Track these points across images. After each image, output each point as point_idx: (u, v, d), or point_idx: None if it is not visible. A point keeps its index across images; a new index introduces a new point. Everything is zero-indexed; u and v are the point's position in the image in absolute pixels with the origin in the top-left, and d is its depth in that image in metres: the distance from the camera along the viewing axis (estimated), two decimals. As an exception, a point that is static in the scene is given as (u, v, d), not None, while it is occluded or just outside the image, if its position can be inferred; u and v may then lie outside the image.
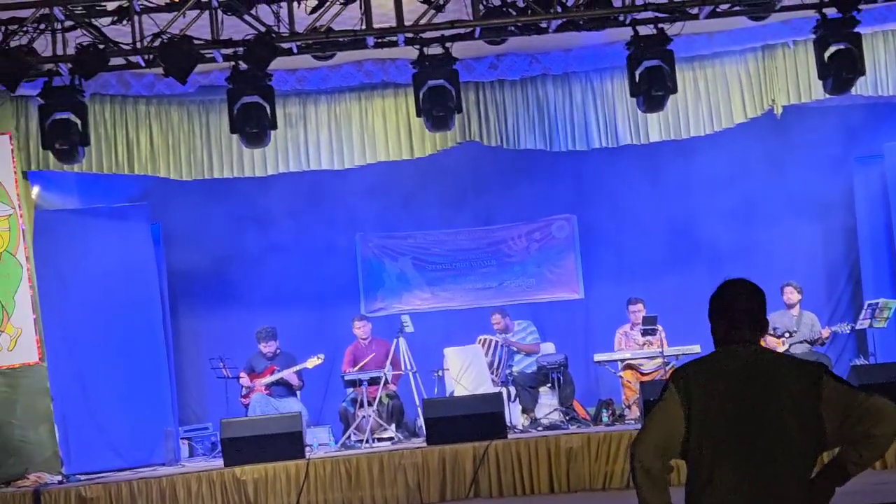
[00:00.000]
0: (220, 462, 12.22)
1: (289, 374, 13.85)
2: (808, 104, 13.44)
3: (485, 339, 14.26)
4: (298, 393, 14.08)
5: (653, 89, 10.65)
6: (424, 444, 12.00)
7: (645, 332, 13.97)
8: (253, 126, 10.67)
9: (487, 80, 13.12)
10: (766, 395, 4.46)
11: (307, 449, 12.16)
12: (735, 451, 4.43)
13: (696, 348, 13.58)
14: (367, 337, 14.18)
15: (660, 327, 13.95)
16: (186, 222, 15.17)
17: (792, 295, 13.69)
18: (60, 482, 11.84)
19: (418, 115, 11.01)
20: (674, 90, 10.88)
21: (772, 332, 13.54)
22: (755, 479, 4.41)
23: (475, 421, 11.84)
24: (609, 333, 14.56)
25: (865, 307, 13.51)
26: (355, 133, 13.15)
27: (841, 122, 14.83)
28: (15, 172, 12.59)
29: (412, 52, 11.68)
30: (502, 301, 15.43)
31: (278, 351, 14.12)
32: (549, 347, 14.47)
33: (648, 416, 4.67)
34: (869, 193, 14.76)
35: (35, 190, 13.23)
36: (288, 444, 11.81)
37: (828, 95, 11.88)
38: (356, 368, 13.82)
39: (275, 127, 10.88)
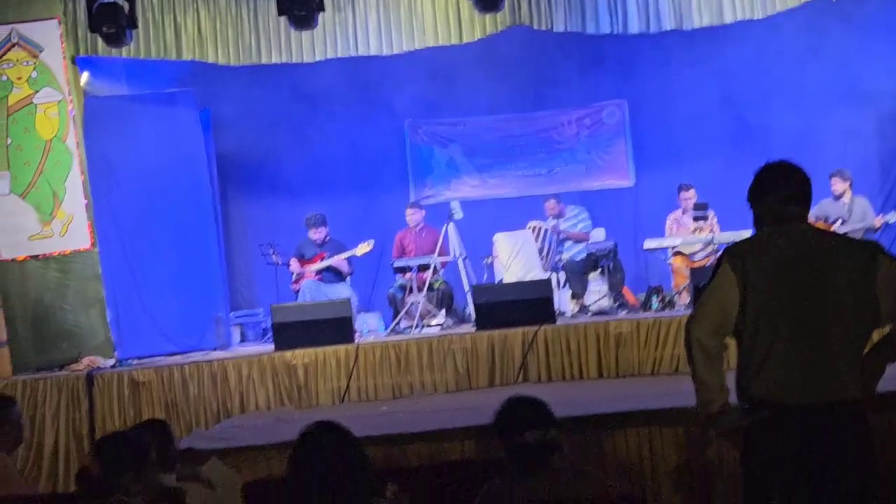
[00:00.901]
0: (270, 347, 12.29)
1: (338, 261, 13.85)
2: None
3: (535, 226, 14.20)
4: (348, 279, 14.09)
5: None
6: (473, 330, 12.00)
7: (696, 218, 13.86)
8: (301, 8, 10.57)
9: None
10: (822, 272, 4.40)
11: (356, 334, 12.19)
12: (790, 328, 4.38)
13: (747, 234, 13.43)
14: (419, 224, 14.15)
15: (711, 213, 13.85)
16: (234, 108, 15.10)
17: (837, 185, 13.53)
18: (113, 366, 11.93)
19: (466, -4, 10.86)
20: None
21: (823, 220, 13.41)
22: (810, 355, 4.38)
23: (524, 306, 11.81)
24: (659, 220, 14.47)
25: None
26: (403, 17, 12.95)
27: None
28: (64, 58, 12.56)
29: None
30: (552, 188, 15.35)
31: (328, 237, 14.10)
32: (599, 234, 14.37)
33: (703, 295, 4.62)
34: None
35: (84, 76, 13.17)
36: (338, 329, 11.83)
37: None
38: (405, 255, 13.82)
39: (322, 8, 10.77)
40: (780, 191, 4.60)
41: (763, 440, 4.46)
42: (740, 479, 4.65)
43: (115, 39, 10.80)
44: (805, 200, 4.59)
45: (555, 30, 12.97)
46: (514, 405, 4.81)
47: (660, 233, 14.17)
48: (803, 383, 4.36)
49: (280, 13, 10.82)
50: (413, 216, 14.17)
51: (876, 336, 4.57)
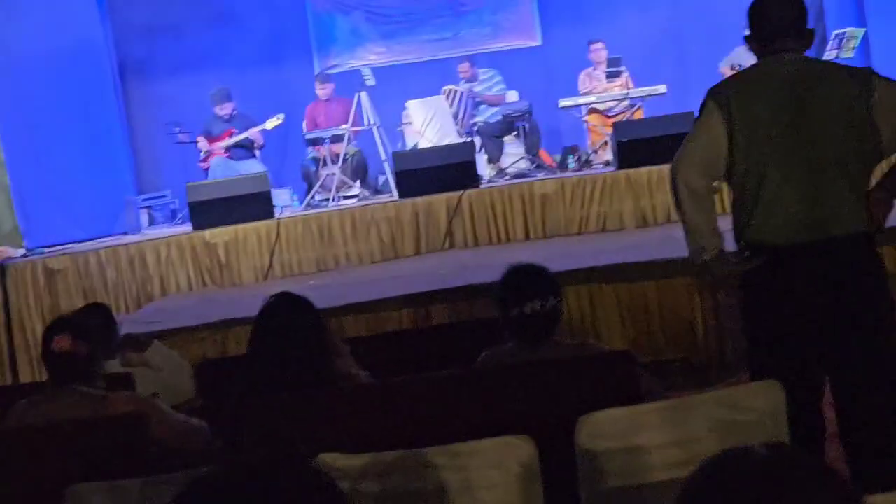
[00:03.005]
0: (182, 228, 11.98)
1: (253, 133, 13.46)
2: None
3: (449, 90, 13.94)
4: (258, 154, 13.74)
5: None
6: (395, 198, 11.79)
7: (609, 75, 13.69)
8: None
9: None
10: (813, 102, 4.21)
11: (274, 210, 11.91)
12: (785, 164, 4.20)
13: (662, 88, 13.37)
14: (329, 97, 13.80)
15: (624, 69, 13.69)
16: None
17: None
18: (24, 256, 11.56)
19: None
20: None
21: (738, 69, 13.29)
22: (806, 191, 4.20)
23: (447, 171, 11.62)
24: (571, 78, 14.24)
25: (832, 37, 13.23)
26: None
27: None
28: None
29: None
30: (459, 51, 15.04)
31: (235, 112, 13.69)
32: (512, 96, 14.16)
33: (689, 135, 4.44)
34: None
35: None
36: (256, 204, 11.58)
37: None
38: (317, 128, 13.50)
39: None
40: (764, 25, 4.39)
41: (764, 284, 4.30)
42: (742, 329, 4.49)
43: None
44: (799, 33, 4.36)
45: None
46: (515, 274, 4.60)
47: (570, 91, 13.95)
48: (801, 221, 4.17)
49: None
50: (323, 89, 13.81)
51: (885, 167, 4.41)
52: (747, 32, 4.47)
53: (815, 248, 4.18)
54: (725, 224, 4.45)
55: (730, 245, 4.45)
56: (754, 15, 4.42)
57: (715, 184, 4.42)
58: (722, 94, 4.34)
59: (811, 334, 4.23)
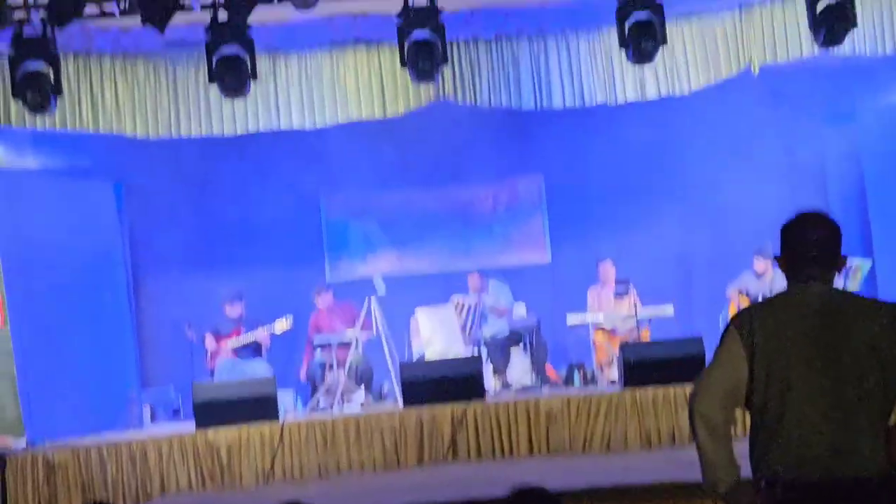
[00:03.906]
0: (188, 426, 11.97)
1: (262, 336, 13.55)
2: (782, 65, 13.28)
3: (458, 301, 14.06)
4: (265, 355, 13.80)
5: (642, 41, 10.48)
6: (400, 407, 11.80)
7: (618, 294, 13.84)
8: (233, 76, 10.39)
9: (461, 37, 12.82)
10: (841, 336, 4.20)
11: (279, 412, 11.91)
12: (807, 398, 4.18)
13: (669, 309, 13.52)
14: (329, 304, 13.96)
15: (632, 288, 13.84)
16: (147, 181, 14.80)
17: (759, 264, 13.58)
18: (25, 448, 11.51)
19: (402, 65, 10.72)
20: (664, 41, 10.71)
21: (745, 294, 13.47)
22: (828, 427, 4.18)
23: (453, 383, 11.67)
24: (577, 295, 14.40)
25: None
26: (326, 91, 12.80)
27: (815, 82, 14.66)
28: (-27, 130, 12.21)
29: (389, 6, 11.41)
30: (469, 263, 15.20)
31: (244, 313, 13.82)
32: (520, 309, 14.29)
33: (709, 364, 4.43)
34: (839, 153, 14.70)
35: (-7, 148, 12.87)
36: (261, 407, 11.57)
37: (813, 53, 11.83)
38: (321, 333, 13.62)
39: (255, 77, 10.60)
40: (795, 251, 4.41)
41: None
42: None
43: (38, 106, 10.47)
44: (828, 261, 4.38)
45: (479, 105, 12.94)
46: (520, 499, 4.55)
47: (578, 307, 14.09)
48: (820, 457, 4.15)
49: (210, 80, 10.61)
50: (322, 300, 13.99)
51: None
52: (777, 254, 4.48)
53: (834, 486, 4.15)
54: (742, 447, 4.43)
55: (745, 470, 4.41)
56: (786, 238, 4.42)
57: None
58: (745, 324, 4.33)
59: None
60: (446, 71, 12.33)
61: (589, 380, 13.20)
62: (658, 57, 11.42)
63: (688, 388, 11.00)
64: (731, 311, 13.03)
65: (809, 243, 4.34)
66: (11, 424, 12.02)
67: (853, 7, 10.69)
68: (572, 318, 13.63)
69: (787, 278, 4.43)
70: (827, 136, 14.78)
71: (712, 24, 12.87)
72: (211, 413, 11.48)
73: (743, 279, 13.64)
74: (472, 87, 12.84)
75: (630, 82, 12.82)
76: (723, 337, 4.39)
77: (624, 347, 12.09)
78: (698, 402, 4.36)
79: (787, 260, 4.42)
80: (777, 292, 4.47)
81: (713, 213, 14.87)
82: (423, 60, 10.52)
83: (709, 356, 11.40)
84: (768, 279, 13.47)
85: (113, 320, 13.54)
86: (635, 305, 13.67)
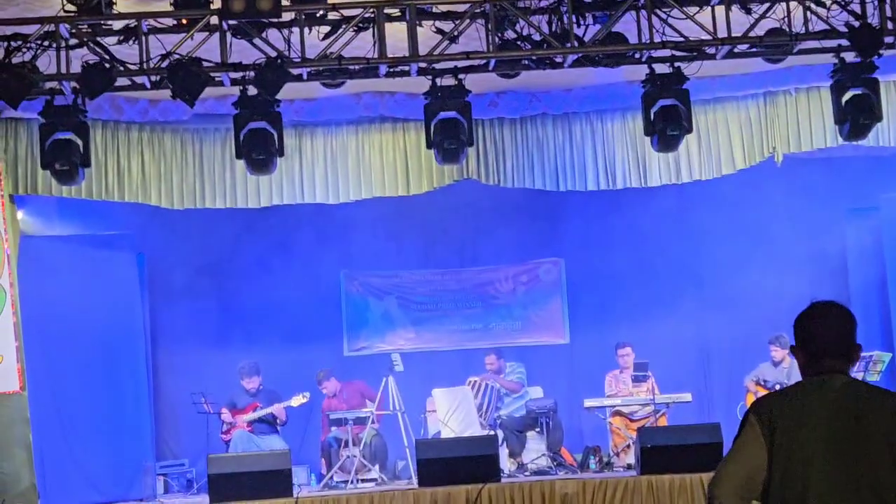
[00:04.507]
0: (200, 498, 11.93)
1: (278, 409, 13.55)
2: (805, 154, 13.35)
3: (474, 381, 14.04)
4: (280, 431, 13.78)
5: (668, 128, 10.51)
6: (414, 486, 11.75)
7: (636, 378, 13.80)
8: (260, 152, 10.45)
9: (487, 117, 12.94)
10: (859, 430, 4.20)
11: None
12: (826, 492, 4.18)
13: (688, 396, 13.49)
14: (336, 389, 13.97)
15: (650, 374, 13.79)
16: (169, 252, 14.87)
17: (777, 352, 13.54)
18: (37, 518, 11.49)
19: (429, 147, 10.78)
20: (689, 130, 10.75)
21: (762, 384, 13.42)
22: None
23: (469, 463, 11.61)
24: (594, 378, 14.40)
25: (859, 360, 13.32)
26: (351, 167, 12.94)
27: (838, 172, 14.71)
28: (1, 196, 12.26)
29: (414, 86, 11.52)
30: (487, 343, 15.21)
31: (261, 387, 13.83)
32: (537, 391, 14.27)
33: (727, 455, 4.39)
34: (861, 244, 14.68)
35: (19, 214, 12.93)
36: (276, 481, 11.51)
37: (837, 143, 11.89)
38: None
39: (282, 154, 10.66)
40: (811, 342, 4.40)
41: None
42: None
43: (67, 177, 10.55)
44: (844, 352, 4.37)
45: (504, 185, 13.02)
46: None
47: (595, 391, 14.07)
48: None
49: (238, 157, 10.68)
50: (327, 387, 14.00)
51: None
52: (793, 343, 4.47)
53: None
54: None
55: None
56: (800, 330, 4.41)
57: None
58: (765, 413, 4.30)
59: None
60: (471, 150, 12.39)
61: (605, 464, 13.13)
62: (683, 143, 11.49)
63: (704, 476, 10.98)
64: (749, 401, 12.96)
65: (825, 334, 4.33)
66: (25, 492, 11.96)
67: (879, 102, 10.74)
68: (589, 402, 13.59)
69: (803, 368, 4.41)
70: (849, 227, 14.74)
71: (737, 111, 12.97)
72: (225, 486, 11.42)
73: (761, 370, 13.61)
74: (496, 167, 12.95)
75: (656, 167, 12.93)
76: (742, 425, 4.35)
77: (641, 432, 12.04)
78: (717, 491, 4.32)
79: (803, 350, 4.40)
80: (795, 382, 4.45)
81: (732, 299, 14.82)
82: (450, 140, 10.57)
83: (727, 444, 11.36)
84: (786, 367, 13.43)
85: (130, 390, 13.52)
86: (653, 390, 13.62)
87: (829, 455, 4.18)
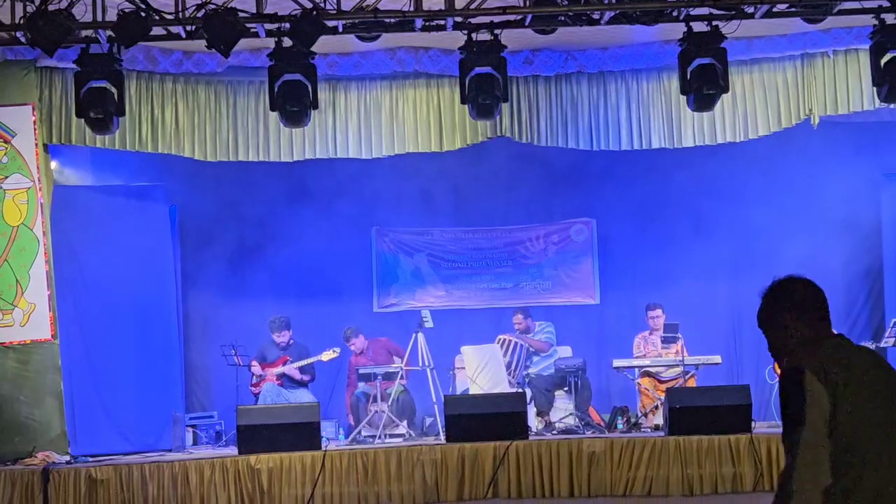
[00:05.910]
0: (229, 450, 11.98)
1: (301, 366, 13.62)
2: (841, 117, 13.24)
3: (504, 339, 14.03)
4: (309, 384, 13.84)
5: (705, 87, 10.44)
6: (443, 441, 11.78)
7: (665, 340, 13.78)
8: (294, 104, 10.45)
9: (521, 74, 12.88)
10: (893, 386, 4.19)
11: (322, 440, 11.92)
12: (881, 449, 4.09)
13: (717, 359, 13.44)
14: (363, 348, 14.01)
15: (679, 336, 13.76)
16: (201, 205, 14.88)
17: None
18: (69, 462, 11.57)
19: (463, 102, 10.76)
20: (726, 89, 10.69)
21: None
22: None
23: (496, 420, 11.62)
24: (623, 339, 14.40)
25: (892, 325, 13.29)
26: (384, 122, 12.92)
27: (874, 137, 14.60)
28: (36, 145, 12.31)
29: (449, 41, 11.48)
30: (517, 302, 15.20)
31: (291, 341, 13.91)
32: (566, 351, 14.26)
33: (800, 411, 4.22)
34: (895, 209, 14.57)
35: (53, 164, 12.97)
36: (304, 434, 11.57)
37: (873, 106, 11.79)
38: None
39: (316, 106, 10.66)
40: (812, 309, 4.33)
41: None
42: None
43: (101, 125, 10.58)
44: (828, 316, 4.36)
45: (537, 144, 12.97)
46: None
47: (623, 351, 14.06)
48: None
49: (272, 108, 10.69)
50: (354, 345, 14.04)
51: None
52: (780, 315, 4.38)
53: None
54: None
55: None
56: (798, 300, 4.34)
57: None
58: (818, 368, 4.16)
59: None
60: (504, 108, 12.35)
61: (633, 425, 13.11)
62: (718, 104, 11.43)
63: (732, 438, 10.99)
64: (777, 367, 12.91)
65: (821, 301, 4.31)
66: (55, 439, 12.08)
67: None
68: (618, 362, 13.57)
69: (812, 335, 4.31)
70: (884, 193, 14.60)
71: (774, 73, 12.87)
72: (254, 437, 11.47)
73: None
74: (529, 125, 12.89)
75: (690, 127, 12.84)
76: (799, 383, 4.18)
77: (670, 392, 12.03)
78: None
79: (804, 320, 4.32)
80: (814, 345, 4.34)
81: (764, 262, 14.67)
82: (484, 95, 10.53)
83: (756, 406, 11.37)
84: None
85: (161, 342, 13.56)
86: (682, 352, 13.59)
87: (881, 412, 4.11)
